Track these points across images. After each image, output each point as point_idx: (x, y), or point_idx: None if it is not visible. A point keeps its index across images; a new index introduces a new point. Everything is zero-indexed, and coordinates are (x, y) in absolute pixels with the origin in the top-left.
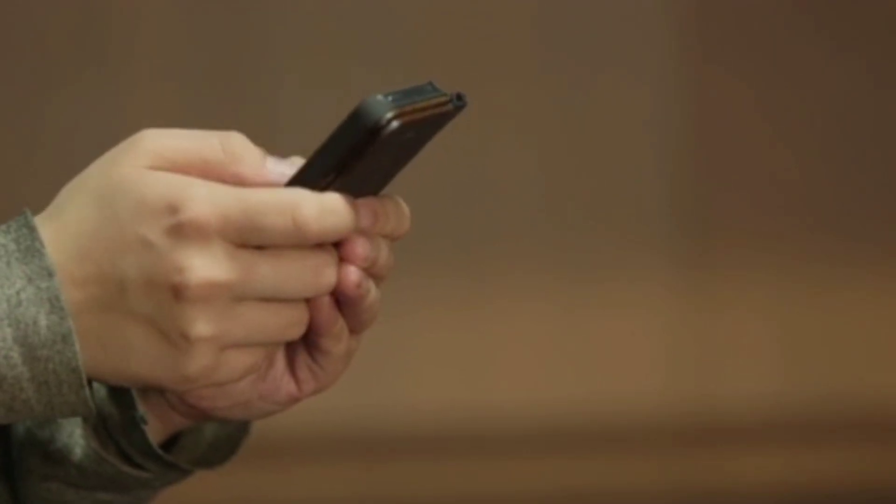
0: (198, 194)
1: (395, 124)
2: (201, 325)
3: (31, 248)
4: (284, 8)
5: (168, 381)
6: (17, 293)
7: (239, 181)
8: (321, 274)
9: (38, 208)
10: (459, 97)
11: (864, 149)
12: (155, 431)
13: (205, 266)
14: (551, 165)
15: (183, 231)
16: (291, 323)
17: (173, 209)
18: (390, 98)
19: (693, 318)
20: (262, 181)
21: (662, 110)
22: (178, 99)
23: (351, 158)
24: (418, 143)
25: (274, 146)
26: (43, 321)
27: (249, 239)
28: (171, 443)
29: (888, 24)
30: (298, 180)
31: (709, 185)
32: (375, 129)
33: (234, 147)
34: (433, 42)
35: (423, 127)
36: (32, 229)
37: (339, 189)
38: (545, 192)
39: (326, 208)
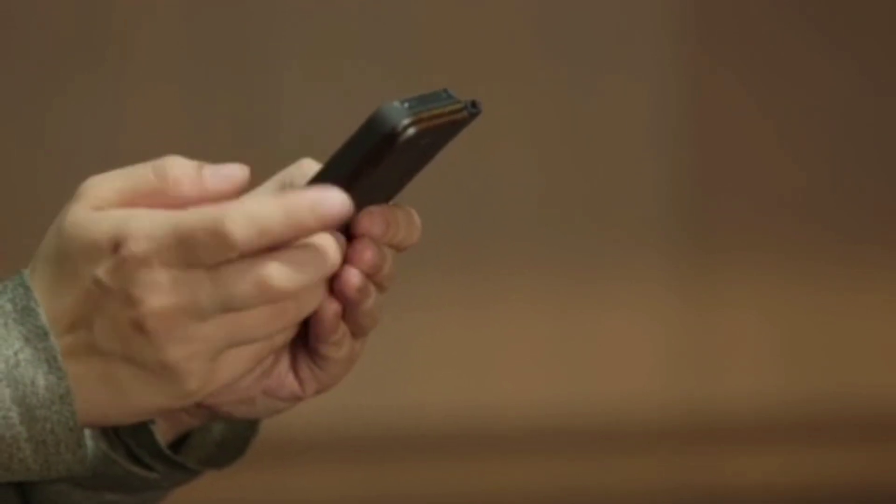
0: (136, 227)
1: (411, 131)
2: (172, 351)
3: (26, 307)
4: (284, 8)
5: (173, 402)
6: (16, 354)
7: (182, 202)
8: (268, 283)
9: (41, 208)
10: (474, 104)
11: (864, 149)
12: (163, 432)
13: (152, 297)
14: (551, 165)
15: (127, 266)
16: (272, 317)
17: (116, 246)
18: (406, 105)
19: (693, 318)
20: (203, 195)
21: (662, 111)
22: (178, 99)
23: (366, 165)
24: (432, 150)
25: (274, 146)
26: (41, 381)
27: (190, 260)
28: (179, 443)
29: (888, 25)
30: None
31: (708, 185)
32: (392, 136)
33: (166, 172)
34: (433, 42)
35: (437, 134)
36: (28, 289)
37: (353, 196)
38: (545, 192)
39: (252, 216)
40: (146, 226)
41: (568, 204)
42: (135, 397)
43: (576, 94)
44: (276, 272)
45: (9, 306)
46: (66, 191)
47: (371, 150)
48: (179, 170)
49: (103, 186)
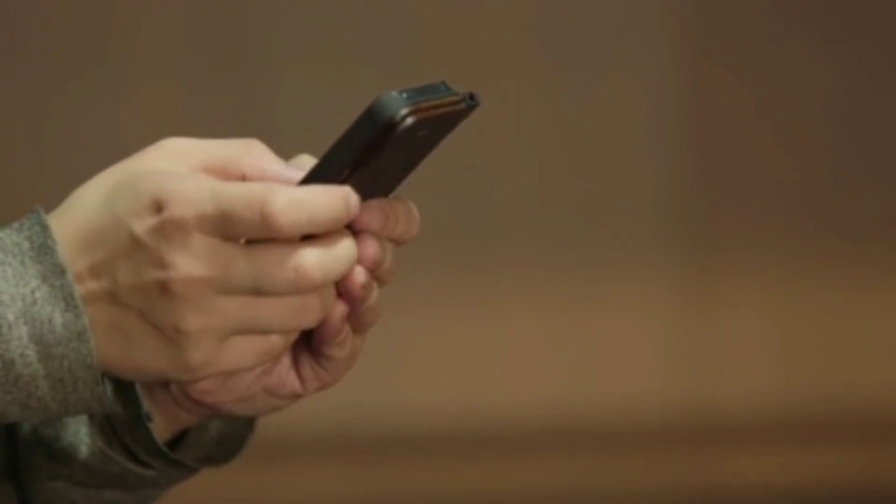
0: (181, 191)
1: (409, 120)
2: (190, 318)
3: (43, 245)
4: (284, 8)
5: (173, 371)
6: (32, 292)
7: (259, 174)
8: (303, 271)
9: (41, 207)
10: (472, 97)
11: (863, 149)
12: (161, 429)
13: (186, 262)
14: (551, 165)
15: (166, 229)
16: (296, 310)
17: (158, 207)
18: (405, 95)
19: (693, 318)
20: (280, 179)
21: (662, 111)
22: (178, 99)
23: (365, 155)
24: (430, 143)
25: (274, 146)
26: (58, 319)
27: (227, 233)
28: (176, 441)
29: (887, 24)
30: (312, 177)
31: (708, 185)
32: (390, 125)
33: (254, 144)
34: (432, 42)
35: (435, 126)
36: (45, 227)
37: (352, 187)
38: (545, 192)
39: (295, 201)
40: (188, 189)
41: (567, 203)
42: (139, 354)
43: (576, 94)
44: (312, 262)
45: (26, 244)
46: (66, 191)
47: (370, 139)
48: (264, 149)
49: (186, 144)
